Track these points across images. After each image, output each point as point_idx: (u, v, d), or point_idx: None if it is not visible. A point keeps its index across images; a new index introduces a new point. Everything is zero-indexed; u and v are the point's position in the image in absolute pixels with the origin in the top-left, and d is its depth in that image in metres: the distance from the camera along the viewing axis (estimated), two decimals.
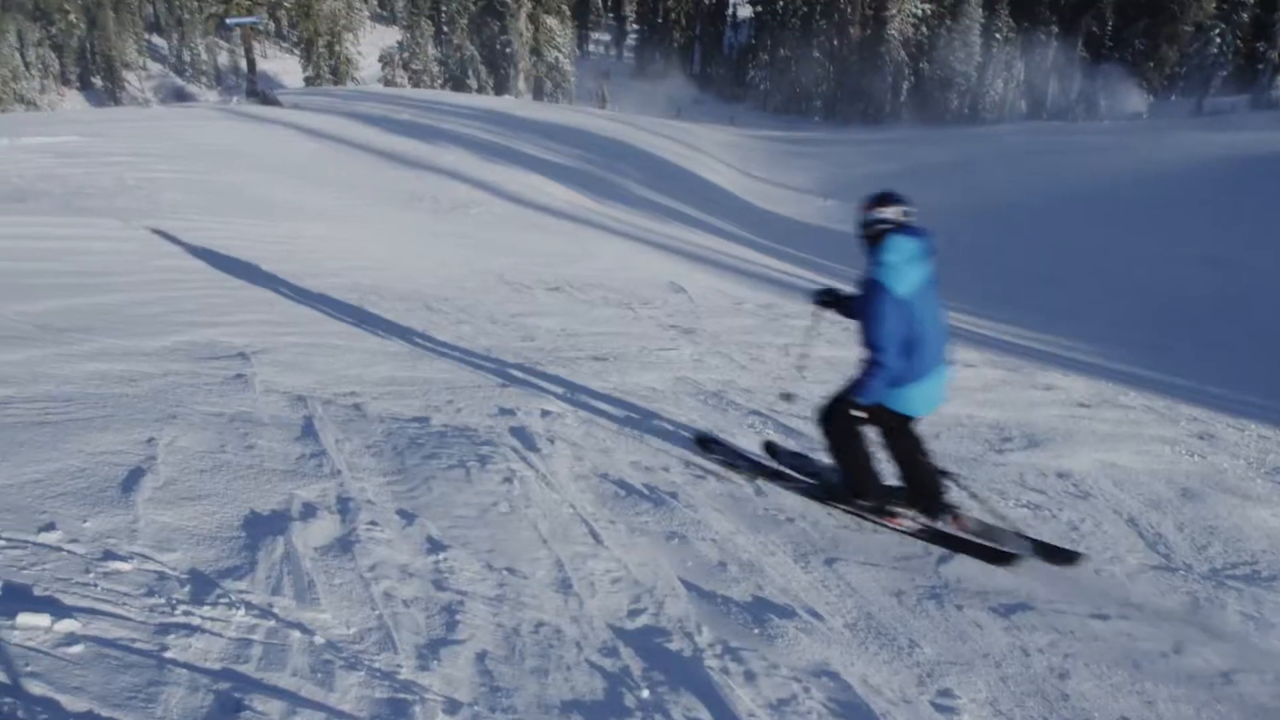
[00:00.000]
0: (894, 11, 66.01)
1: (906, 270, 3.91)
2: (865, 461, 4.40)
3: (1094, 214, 22.45)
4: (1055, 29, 68.07)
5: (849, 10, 68.95)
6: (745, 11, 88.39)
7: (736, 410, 6.19)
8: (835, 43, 70.41)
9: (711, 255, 16.31)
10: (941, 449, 5.80)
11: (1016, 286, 17.42)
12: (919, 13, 66.67)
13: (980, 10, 64.21)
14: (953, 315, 12.36)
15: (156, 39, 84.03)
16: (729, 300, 11.32)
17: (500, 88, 60.80)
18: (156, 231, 9.81)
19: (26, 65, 72.89)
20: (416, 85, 62.63)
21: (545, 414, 5.38)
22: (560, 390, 6.07)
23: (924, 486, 4.45)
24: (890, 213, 3.97)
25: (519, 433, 4.95)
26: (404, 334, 7.18)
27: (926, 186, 30.38)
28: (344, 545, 3.39)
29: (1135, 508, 5.16)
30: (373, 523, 3.59)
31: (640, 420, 5.63)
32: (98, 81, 75.96)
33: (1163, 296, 16.30)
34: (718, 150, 37.76)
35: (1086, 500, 5.21)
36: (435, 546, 3.52)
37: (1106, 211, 23.44)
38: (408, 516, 3.74)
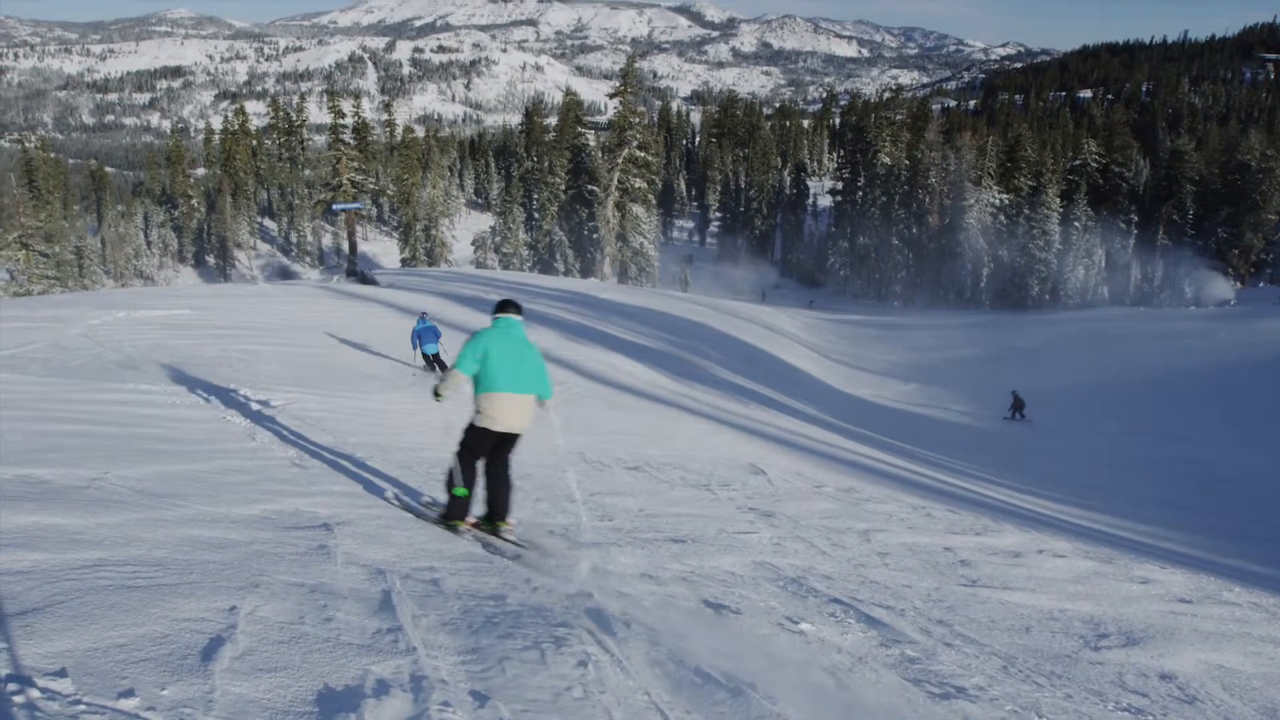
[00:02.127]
0: (972, 201, 67.42)
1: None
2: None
3: (1180, 399, 21.97)
4: (1135, 217, 68.72)
5: (927, 200, 70.70)
6: (825, 201, 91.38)
7: (817, 597, 6.02)
8: (914, 230, 71.91)
9: (791, 437, 16.24)
10: (1032, 644, 5.54)
11: (1104, 472, 16.94)
12: (997, 202, 67.95)
13: (1058, 200, 65.22)
14: (1038, 502, 12.06)
15: (268, 221, 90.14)
16: (808, 483, 11.19)
17: (586, 271, 63.09)
18: (253, 401, 10.24)
19: (149, 244, 78.75)
20: (507, 267, 65.46)
21: (621, 596, 5.30)
22: (637, 572, 5.99)
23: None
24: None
25: (595, 615, 4.88)
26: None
27: (1007, 370, 30.26)
28: None
29: (1249, 716, 4.81)
30: (445, 703, 3.53)
31: (718, 605, 5.51)
32: (211, 259, 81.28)
33: (1258, 485, 15.66)
34: (797, 333, 38.22)
35: (1193, 705, 4.87)
36: None
37: (1192, 397, 22.95)
38: (480, 698, 3.66)
